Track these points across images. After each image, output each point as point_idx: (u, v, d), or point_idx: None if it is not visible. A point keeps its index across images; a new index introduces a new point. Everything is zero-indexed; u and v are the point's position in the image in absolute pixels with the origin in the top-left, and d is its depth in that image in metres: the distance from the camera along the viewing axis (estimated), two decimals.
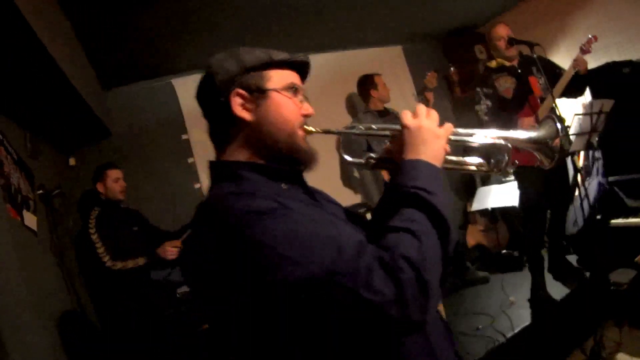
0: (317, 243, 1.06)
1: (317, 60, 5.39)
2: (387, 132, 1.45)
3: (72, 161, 4.57)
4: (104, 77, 4.35)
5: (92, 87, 3.81)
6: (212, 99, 1.34)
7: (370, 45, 6.01)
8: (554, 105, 3.96)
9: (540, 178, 4.21)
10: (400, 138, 1.34)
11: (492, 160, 1.40)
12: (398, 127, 1.37)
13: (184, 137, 5.02)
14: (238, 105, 1.31)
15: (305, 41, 5.02)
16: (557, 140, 1.47)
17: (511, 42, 4.20)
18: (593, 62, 4.11)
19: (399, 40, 6.30)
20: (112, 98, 4.75)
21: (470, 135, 1.41)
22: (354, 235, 1.16)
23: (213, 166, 1.39)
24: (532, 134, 1.44)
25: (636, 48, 4.91)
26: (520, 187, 4.44)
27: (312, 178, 1.50)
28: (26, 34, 2.08)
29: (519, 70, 4.28)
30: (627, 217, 3.96)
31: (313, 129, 1.43)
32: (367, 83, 5.15)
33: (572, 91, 4.22)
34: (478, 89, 4.38)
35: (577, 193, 4.33)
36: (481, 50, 6.39)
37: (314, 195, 1.40)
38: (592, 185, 4.55)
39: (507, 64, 4.33)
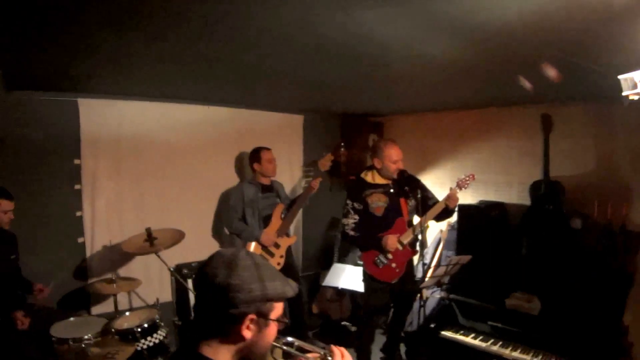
0: None
1: (219, 114, 5.58)
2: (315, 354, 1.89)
3: None
4: (9, 77, 3.95)
5: None
6: (222, 304, 1.50)
7: (276, 109, 6.14)
8: (421, 230, 4.31)
9: (388, 292, 4.58)
10: None
11: None
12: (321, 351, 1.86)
13: (76, 161, 4.81)
14: (246, 327, 1.53)
15: (214, 92, 4.94)
16: None
17: (402, 174, 4.47)
18: (469, 194, 4.53)
19: (302, 111, 6.48)
20: (14, 101, 4.43)
21: None
22: None
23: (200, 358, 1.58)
24: None
25: (511, 193, 5.43)
26: (367, 292, 4.68)
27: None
28: None
29: (392, 190, 4.50)
30: (456, 332, 4.40)
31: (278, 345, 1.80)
32: (253, 155, 5.30)
33: (439, 219, 4.55)
34: (349, 202, 4.55)
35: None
36: (374, 139, 6.66)
37: None
38: (434, 296, 5.02)
39: (384, 181, 4.53)
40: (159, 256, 4.48)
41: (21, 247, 4.31)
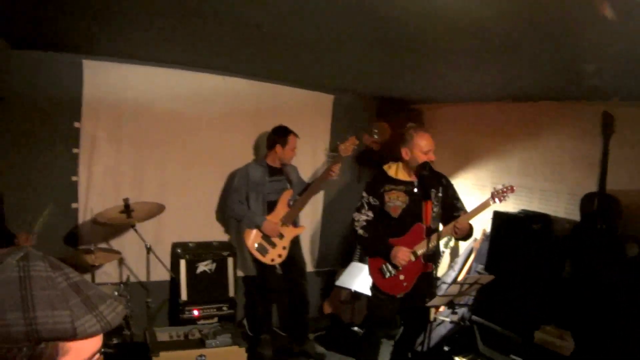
0: None
1: (237, 85, 5.21)
2: None
3: None
4: (15, 35, 3.85)
5: None
6: None
7: (302, 86, 5.45)
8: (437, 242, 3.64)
9: (396, 306, 3.90)
10: None
11: None
12: None
13: (76, 124, 4.53)
14: None
15: (233, 60, 4.48)
16: None
17: (424, 167, 3.67)
18: (511, 201, 3.79)
19: (333, 90, 5.72)
20: (18, 59, 4.23)
21: None
22: None
23: None
24: None
25: (558, 204, 4.49)
26: (372, 301, 4.06)
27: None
28: None
29: (415, 190, 3.75)
30: None
31: None
32: (278, 135, 4.67)
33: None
34: (365, 195, 3.86)
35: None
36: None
37: None
38: (438, 317, 4.42)
39: (408, 178, 3.80)
40: (135, 230, 4.33)
41: (14, 208, 4.09)
